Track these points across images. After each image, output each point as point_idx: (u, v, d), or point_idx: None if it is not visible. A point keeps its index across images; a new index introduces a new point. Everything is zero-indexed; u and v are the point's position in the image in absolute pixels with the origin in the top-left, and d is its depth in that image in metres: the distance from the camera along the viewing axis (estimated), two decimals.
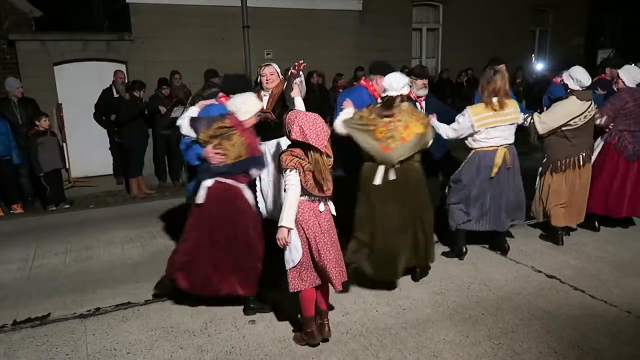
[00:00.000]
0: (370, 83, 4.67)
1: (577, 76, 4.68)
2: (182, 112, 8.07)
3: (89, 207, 7.19)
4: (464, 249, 4.71)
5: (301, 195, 3.14)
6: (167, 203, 7.15)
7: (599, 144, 5.11)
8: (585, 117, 4.66)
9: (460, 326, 3.53)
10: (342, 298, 3.93)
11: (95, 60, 8.88)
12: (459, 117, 4.34)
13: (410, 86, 5.23)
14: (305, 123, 3.03)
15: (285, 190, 3.14)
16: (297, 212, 3.12)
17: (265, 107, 4.45)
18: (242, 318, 3.74)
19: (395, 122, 3.87)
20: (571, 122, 4.65)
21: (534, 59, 13.85)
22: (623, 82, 5.02)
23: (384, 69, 4.48)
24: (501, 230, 4.65)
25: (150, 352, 3.36)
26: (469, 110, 4.29)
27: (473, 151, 4.43)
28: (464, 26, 12.56)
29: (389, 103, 3.92)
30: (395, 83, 3.92)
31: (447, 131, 4.37)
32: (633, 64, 5.27)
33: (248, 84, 4.81)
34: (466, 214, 4.53)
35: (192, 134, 3.58)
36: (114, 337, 3.56)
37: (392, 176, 3.90)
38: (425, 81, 5.08)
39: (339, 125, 3.98)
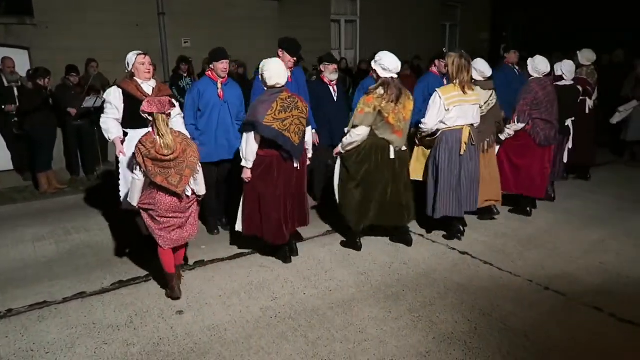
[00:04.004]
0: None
1: (480, 68, 5.07)
2: (96, 101, 7.56)
3: None
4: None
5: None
6: (81, 198, 6.78)
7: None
8: (488, 105, 5.04)
9: (383, 303, 3.72)
10: (270, 283, 4.01)
11: None
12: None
13: (322, 71, 5.78)
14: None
15: None
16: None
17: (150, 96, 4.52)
18: (169, 309, 3.68)
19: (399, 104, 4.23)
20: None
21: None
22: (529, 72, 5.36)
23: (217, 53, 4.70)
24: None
25: (71, 350, 3.22)
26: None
27: None
28: (381, 19, 12.99)
29: (389, 85, 4.19)
30: (392, 64, 4.19)
31: None
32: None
33: None
34: None
35: None
36: (30, 337, 3.37)
37: (392, 154, 4.34)
38: (336, 66, 5.68)
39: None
